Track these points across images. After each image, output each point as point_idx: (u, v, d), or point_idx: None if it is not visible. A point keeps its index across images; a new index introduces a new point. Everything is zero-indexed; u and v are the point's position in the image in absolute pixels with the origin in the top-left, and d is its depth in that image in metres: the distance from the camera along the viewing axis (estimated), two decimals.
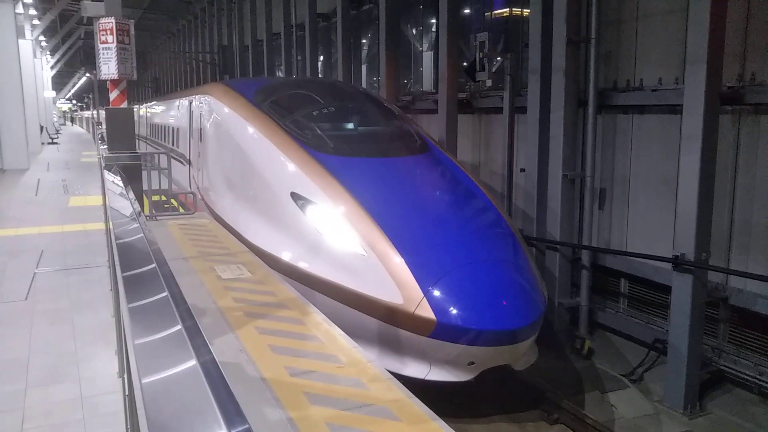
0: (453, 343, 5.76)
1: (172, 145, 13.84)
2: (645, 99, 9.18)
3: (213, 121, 9.70)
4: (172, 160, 9.54)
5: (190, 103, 11.65)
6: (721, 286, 8.18)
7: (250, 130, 8.30)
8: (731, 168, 8.03)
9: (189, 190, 10.95)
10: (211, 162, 9.64)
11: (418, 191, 7.59)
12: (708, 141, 7.56)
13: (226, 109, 9.15)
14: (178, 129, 13.36)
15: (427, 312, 5.73)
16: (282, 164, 7.60)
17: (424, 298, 5.80)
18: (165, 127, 15.91)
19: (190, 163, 11.42)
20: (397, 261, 6.10)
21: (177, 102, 14.15)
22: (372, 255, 6.23)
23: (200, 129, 10.42)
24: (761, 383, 7.75)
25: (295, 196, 7.10)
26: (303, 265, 6.61)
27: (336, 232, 6.62)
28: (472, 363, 5.96)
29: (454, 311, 5.75)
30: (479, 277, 6.14)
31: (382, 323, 6.01)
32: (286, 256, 6.83)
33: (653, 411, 7.94)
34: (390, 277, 6.02)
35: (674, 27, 8.66)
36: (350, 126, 8.91)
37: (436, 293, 5.85)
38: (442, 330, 5.72)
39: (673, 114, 8.66)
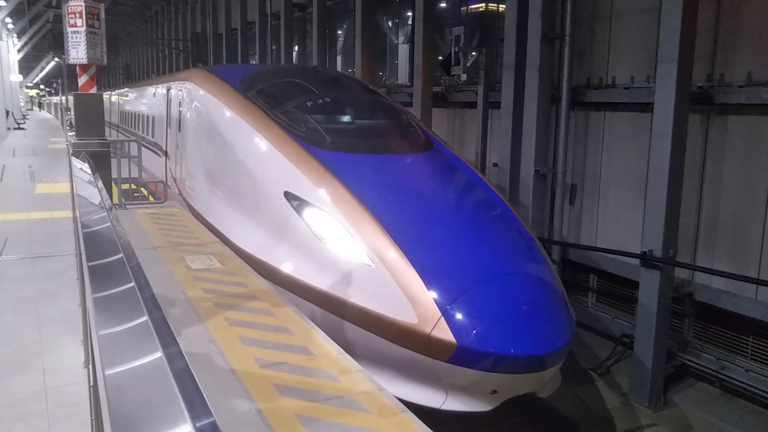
0: (475, 370, 4.98)
1: (147, 134, 13.13)
2: (617, 97, 9.30)
3: (194, 110, 8.91)
4: (148, 151, 9.32)
5: (168, 90, 10.85)
6: (687, 282, 8.34)
7: (237, 120, 7.47)
8: (699, 167, 8.18)
9: (164, 181, 10.29)
10: (190, 154, 8.87)
11: (428, 192, 6.75)
12: (677, 140, 7.68)
13: (209, 98, 8.29)
14: (153, 117, 12.57)
15: (445, 334, 4.94)
16: (273, 159, 6.76)
17: (442, 318, 4.99)
18: (139, 115, 15.09)
19: (166, 154, 10.60)
20: (409, 273, 5.28)
21: (153, 89, 13.27)
22: (380, 265, 5.42)
23: (179, 118, 9.67)
24: (723, 378, 7.93)
25: (289, 196, 6.31)
26: (298, 274, 5.85)
27: (337, 237, 5.81)
28: (495, 391, 5.20)
29: (476, 333, 4.95)
30: (504, 294, 5.35)
31: (390, 344, 5.23)
32: (277, 263, 6.09)
33: (619, 404, 8.08)
34: (401, 291, 5.21)
35: (647, 26, 8.77)
36: (349, 119, 7.94)
37: (456, 312, 5.03)
38: (462, 354, 4.93)
39: (644, 112, 8.78)
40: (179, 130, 9.55)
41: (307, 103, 7.70)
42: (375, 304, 5.28)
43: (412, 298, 5.15)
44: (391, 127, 8.08)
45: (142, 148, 9.43)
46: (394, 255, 5.42)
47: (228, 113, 7.68)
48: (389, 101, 9.22)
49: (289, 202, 6.26)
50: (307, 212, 6.10)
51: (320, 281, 5.64)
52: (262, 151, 6.99)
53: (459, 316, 5.02)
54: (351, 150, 6.95)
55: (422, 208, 6.27)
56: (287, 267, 5.97)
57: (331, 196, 6.09)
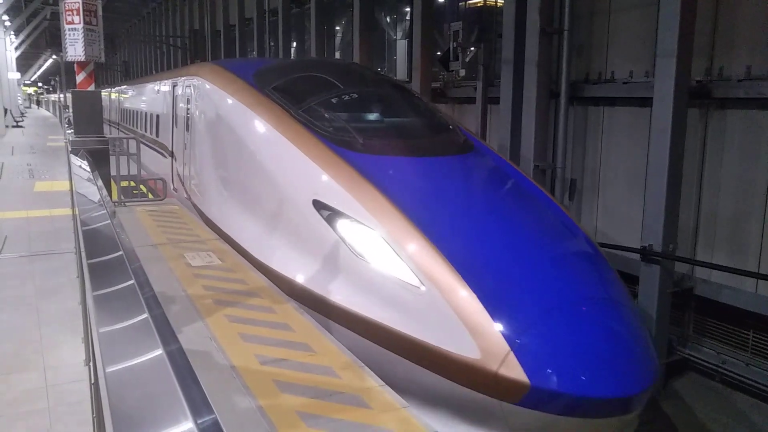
0: (550, 414, 4.23)
1: (150, 133, 12.30)
2: (616, 91, 9.29)
3: (204, 108, 8.12)
4: (151, 152, 9.11)
5: (174, 86, 10.03)
6: (687, 277, 8.35)
7: (254, 119, 6.66)
8: (698, 161, 8.18)
9: (164, 179, 9.77)
10: (201, 156, 8.08)
11: (478, 201, 5.95)
12: (677, 134, 7.68)
13: (222, 94, 7.50)
14: (157, 116, 11.67)
15: (516, 372, 4.14)
16: (298, 163, 5.93)
17: (511, 353, 4.19)
18: (142, 113, 14.23)
19: (172, 155, 9.83)
20: (468, 297, 4.44)
21: (157, 85, 12.41)
22: (431, 288, 4.58)
23: (186, 117, 8.87)
24: (723, 372, 7.94)
25: (318, 205, 5.48)
26: (331, 296, 5.07)
27: (378, 254, 4.97)
28: None
29: (554, 371, 4.18)
30: (583, 324, 4.56)
31: (445, 381, 4.42)
32: (305, 281, 5.32)
33: None
34: (459, 319, 4.39)
35: (646, 20, 8.76)
36: (380, 117, 7.01)
37: (528, 345, 4.26)
38: (536, 396, 4.14)
39: (643, 107, 8.77)
40: (187, 130, 8.80)
41: (332, 100, 6.86)
42: (426, 334, 4.46)
43: (472, 328, 4.33)
44: (427, 125, 7.25)
45: (146, 148, 9.32)
46: (447, 275, 4.57)
47: (244, 111, 6.88)
48: (419, 96, 8.47)
49: (318, 211, 5.44)
50: (340, 224, 5.26)
51: (359, 305, 4.85)
52: (284, 153, 6.13)
53: (532, 350, 4.25)
54: (386, 152, 6.12)
55: (474, 220, 5.45)
56: (318, 287, 5.18)
57: (369, 206, 5.23)
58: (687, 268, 8.37)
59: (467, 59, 10.84)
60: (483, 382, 4.24)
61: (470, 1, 13.17)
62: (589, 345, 4.39)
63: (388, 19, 16.73)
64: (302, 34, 22.05)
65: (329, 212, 5.37)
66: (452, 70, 11.35)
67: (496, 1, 12.19)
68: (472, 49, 10.84)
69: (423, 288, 4.61)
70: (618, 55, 9.34)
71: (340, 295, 5.00)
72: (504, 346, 4.20)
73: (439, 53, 12.53)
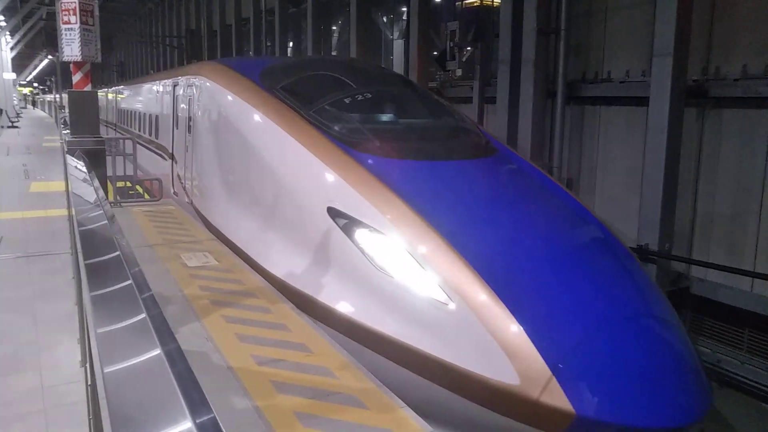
0: None
1: (149, 135, 11.89)
2: (612, 91, 9.31)
3: (208, 109, 7.72)
4: (150, 154, 8.96)
5: (175, 85, 9.61)
6: (683, 276, 8.37)
7: (263, 121, 6.23)
8: (695, 160, 8.20)
9: (173, 191, 9.24)
10: (205, 161, 7.69)
11: (507, 209, 5.38)
12: (673, 133, 7.70)
13: (227, 94, 7.08)
14: (157, 117, 11.27)
15: (559, 399, 3.72)
16: (311, 167, 5.50)
17: (554, 378, 3.75)
18: (140, 114, 13.76)
19: (172, 157, 9.48)
20: (503, 316, 4.01)
21: (156, 85, 11.91)
22: (462, 305, 4.16)
23: (188, 118, 8.43)
24: (719, 370, 7.95)
25: (333, 213, 5.05)
26: (349, 312, 4.67)
27: (401, 267, 4.55)
28: None
29: (602, 398, 3.77)
30: (631, 345, 4.09)
31: (478, 408, 4.01)
32: (319, 294, 4.93)
33: None
34: (494, 340, 3.96)
35: (642, 20, 8.78)
36: (396, 118, 6.50)
37: (572, 370, 3.83)
38: (582, 426, 3.74)
39: (640, 106, 8.79)
40: (188, 131, 8.39)
41: (345, 100, 6.40)
42: (457, 356, 4.05)
43: (509, 350, 3.90)
44: (447, 127, 6.76)
45: (145, 150, 9.26)
46: (479, 290, 4.16)
47: (251, 112, 6.47)
48: (435, 96, 7.97)
49: (334, 220, 5.01)
50: (359, 234, 4.84)
51: (381, 322, 4.44)
52: (295, 156, 5.71)
53: (576, 375, 3.82)
54: (405, 156, 5.64)
55: (504, 230, 4.94)
56: (334, 301, 4.80)
57: (389, 213, 4.79)
58: (683, 267, 8.38)
59: (464, 59, 10.86)
60: (522, 411, 3.84)
61: (467, 1, 13.18)
62: (639, 369, 3.94)
63: (384, 19, 16.73)
64: (299, 34, 22.04)
65: (346, 220, 4.96)
66: (449, 70, 11.37)
67: (492, 1, 12.20)
68: (469, 48, 10.85)
69: (452, 305, 4.20)
70: (614, 54, 9.36)
71: (358, 310, 4.61)
72: (545, 371, 3.77)
73: (435, 53, 12.53)
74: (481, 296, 4.12)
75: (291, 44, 22.49)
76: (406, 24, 14.72)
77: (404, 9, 15.32)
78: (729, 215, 7.89)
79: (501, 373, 3.86)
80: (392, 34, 16.36)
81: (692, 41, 7.73)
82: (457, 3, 13.47)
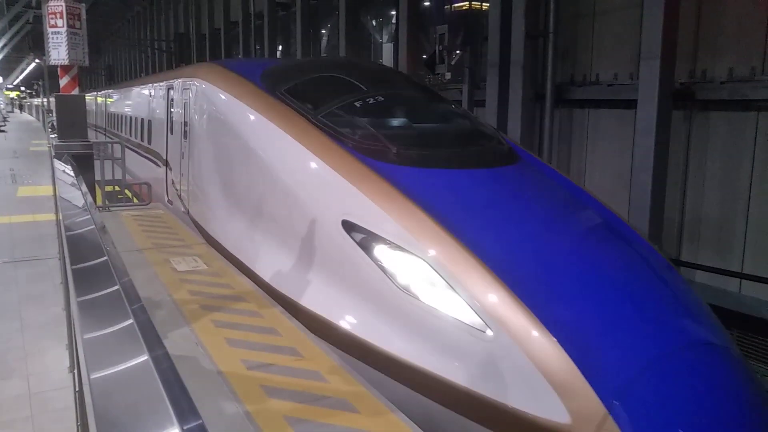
0: None
1: (141, 140, 11.36)
2: (601, 94, 9.37)
3: (206, 113, 7.22)
4: (142, 160, 8.81)
5: (169, 89, 9.07)
6: None
7: (268, 126, 5.73)
8: (683, 162, 8.26)
9: (167, 199, 8.79)
10: (202, 168, 7.21)
11: (542, 222, 4.84)
12: (661, 136, 7.75)
13: (227, 98, 6.58)
14: (149, 121, 10.72)
15: None
16: (322, 176, 5.04)
17: (609, 417, 3.33)
18: (132, 118, 13.15)
19: (167, 164, 8.95)
20: (547, 344, 3.55)
21: (149, 88, 11.30)
22: (500, 331, 3.68)
23: (184, 122, 7.94)
24: None
25: (348, 226, 4.58)
26: (369, 337, 4.20)
27: (428, 288, 4.07)
28: None
29: None
30: (691, 378, 3.63)
31: None
32: (333, 317, 4.48)
33: None
34: (539, 372, 3.51)
35: (629, 23, 8.84)
36: (411, 123, 6.01)
37: (630, 407, 3.37)
38: None
39: (628, 109, 8.85)
40: (185, 137, 7.88)
41: (355, 104, 5.89)
42: (497, 390, 3.60)
43: (558, 385, 3.46)
44: (466, 132, 6.27)
45: (137, 156, 9.16)
46: (519, 316, 3.68)
47: (254, 117, 5.98)
48: (448, 99, 7.57)
49: (350, 234, 4.55)
50: (378, 250, 4.37)
51: (405, 351, 3.98)
52: (305, 165, 5.24)
53: (634, 413, 3.36)
54: (424, 163, 5.12)
55: (540, 245, 4.42)
56: (351, 324, 4.36)
57: (410, 227, 4.30)
58: None
59: (453, 62, 10.90)
60: None
61: (456, 5, 13.22)
62: (701, 405, 3.50)
63: (374, 23, 16.75)
64: (288, 38, 22.03)
65: (363, 235, 4.48)
66: (438, 73, 11.40)
67: (481, 5, 12.25)
68: (458, 52, 10.89)
69: (489, 332, 3.72)
70: (602, 57, 9.42)
71: (379, 336, 4.15)
72: (600, 409, 3.34)
73: (424, 56, 12.56)
74: (522, 322, 3.65)
75: (280, 48, 22.47)
76: (396, 27, 14.75)
77: (393, 12, 15.34)
78: (716, 217, 7.95)
79: (549, 411, 3.43)
80: (381, 38, 16.38)
81: (679, 44, 7.79)
82: (446, 7, 13.51)
